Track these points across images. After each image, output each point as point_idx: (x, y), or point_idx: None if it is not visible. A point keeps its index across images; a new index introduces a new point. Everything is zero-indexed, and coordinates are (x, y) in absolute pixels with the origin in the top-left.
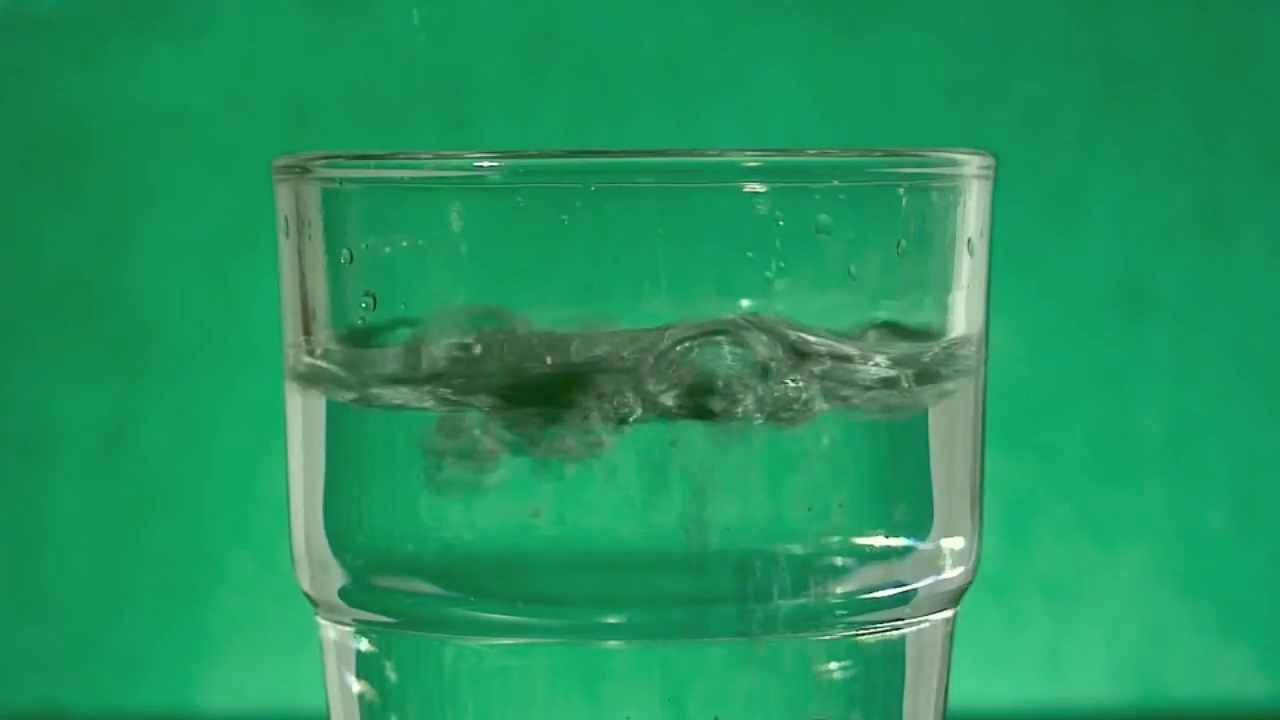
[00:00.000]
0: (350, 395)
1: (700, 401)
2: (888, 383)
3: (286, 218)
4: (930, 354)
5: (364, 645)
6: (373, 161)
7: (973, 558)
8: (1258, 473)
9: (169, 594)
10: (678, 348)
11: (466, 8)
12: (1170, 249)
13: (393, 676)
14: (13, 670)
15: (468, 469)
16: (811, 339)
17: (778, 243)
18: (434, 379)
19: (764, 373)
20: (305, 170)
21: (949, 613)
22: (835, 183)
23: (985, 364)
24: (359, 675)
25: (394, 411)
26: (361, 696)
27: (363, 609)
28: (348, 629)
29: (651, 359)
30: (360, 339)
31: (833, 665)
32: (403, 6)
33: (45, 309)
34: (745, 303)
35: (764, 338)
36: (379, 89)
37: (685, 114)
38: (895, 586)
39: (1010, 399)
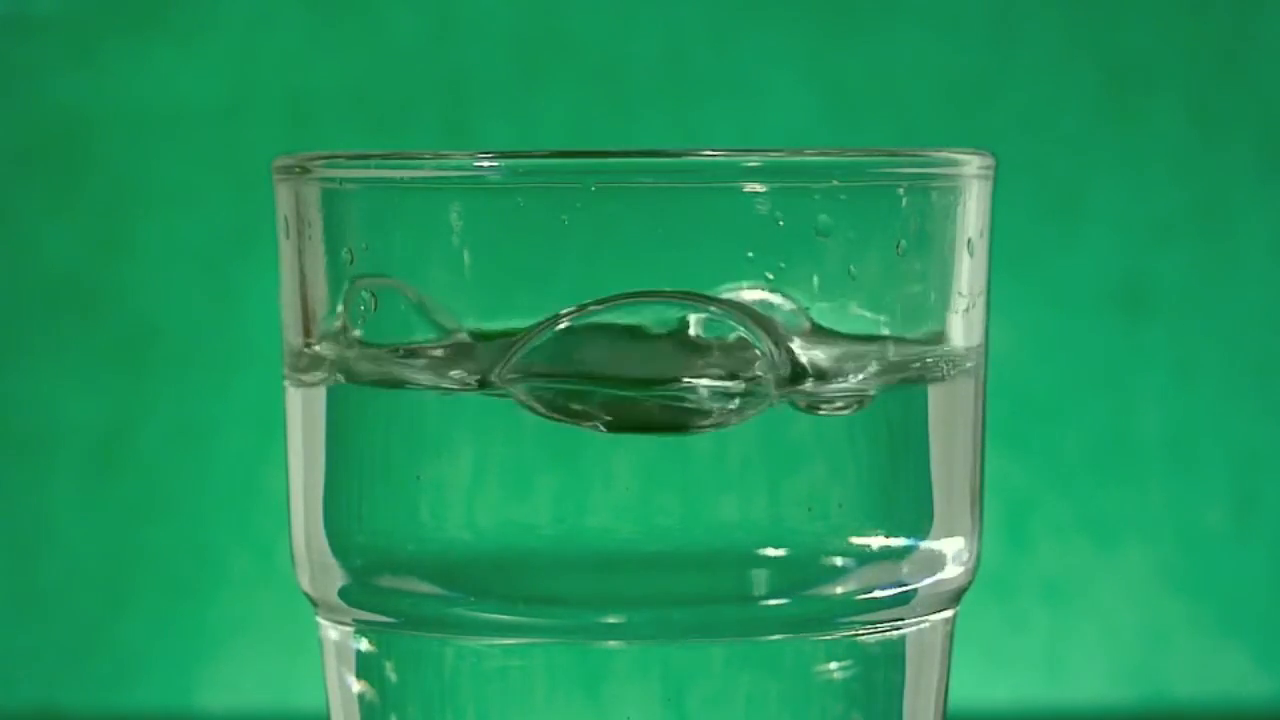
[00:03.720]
0: (350, 396)
1: (700, 397)
2: (887, 382)
3: (286, 218)
4: (930, 354)
5: (364, 645)
6: (373, 161)
7: (973, 558)
8: (1258, 473)
9: (169, 594)
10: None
11: (466, 8)
12: (1170, 249)
13: (393, 676)
14: (13, 670)
15: (466, 468)
16: (813, 338)
17: (778, 243)
18: (436, 378)
19: (766, 370)
20: (305, 170)
21: (949, 613)
22: (835, 183)
23: (985, 364)
24: (359, 675)
25: (394, 411)
26: (361, 696)
27: (363, 609)
28: (348, 629)
29: (657, 349)
30: (360, 339)
31: (833, 665)
32: (403, 6)
33: (45, 309)
34: (746, 302)
35: (765, 334)
36: (379, 89)
37: (685, 114)
38: (895, 586)
39: (1010, 399)
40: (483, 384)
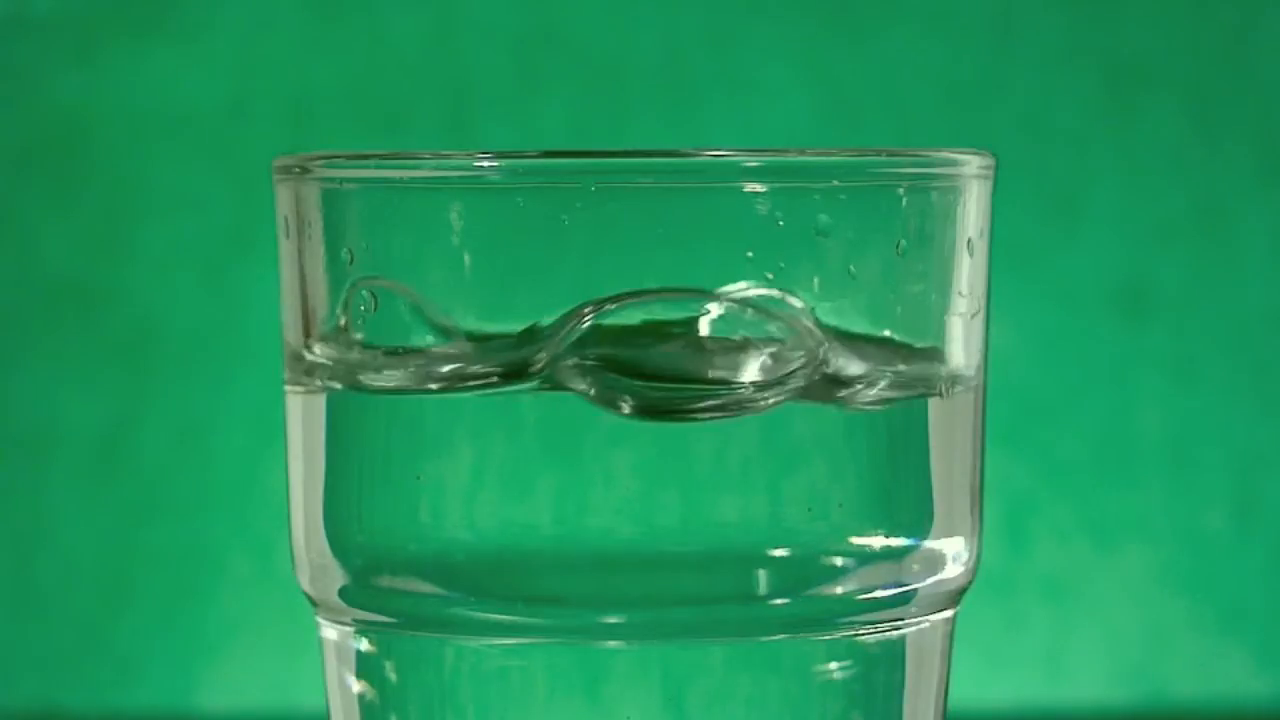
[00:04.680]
0: (350, 395)
1: (701, 392)
2: (887, 381)
3: (286, 218)
4: (929, 353)
5: (364, 645)
6: (373, 161)
7: (973, 558)
8: (1258, 473)
9: (169, 594)
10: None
11: (466, 8)
12: (1170, 249)
13: (393, 676)
14: (13, 670)
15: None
16: (815, 336)
17: (778, 243)
18: (436, 378)
19: (769, 366)
20: (305, 170)
21: (949, 613)
22: (835, 183)
23: (986, 364)
24: (359, 675)
25: (394, 411)
26: (361, 696)
27: (363, 609)
28: (348, 629)
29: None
30: (360, 339)
31: (833, 665)
32: (403, 6)
33: (45, 309)
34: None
35: (771, 330)
36: (379, 89)
37: (685, 114)
38: (895, 586)
39: (1010, 399)
40: (510, 375)
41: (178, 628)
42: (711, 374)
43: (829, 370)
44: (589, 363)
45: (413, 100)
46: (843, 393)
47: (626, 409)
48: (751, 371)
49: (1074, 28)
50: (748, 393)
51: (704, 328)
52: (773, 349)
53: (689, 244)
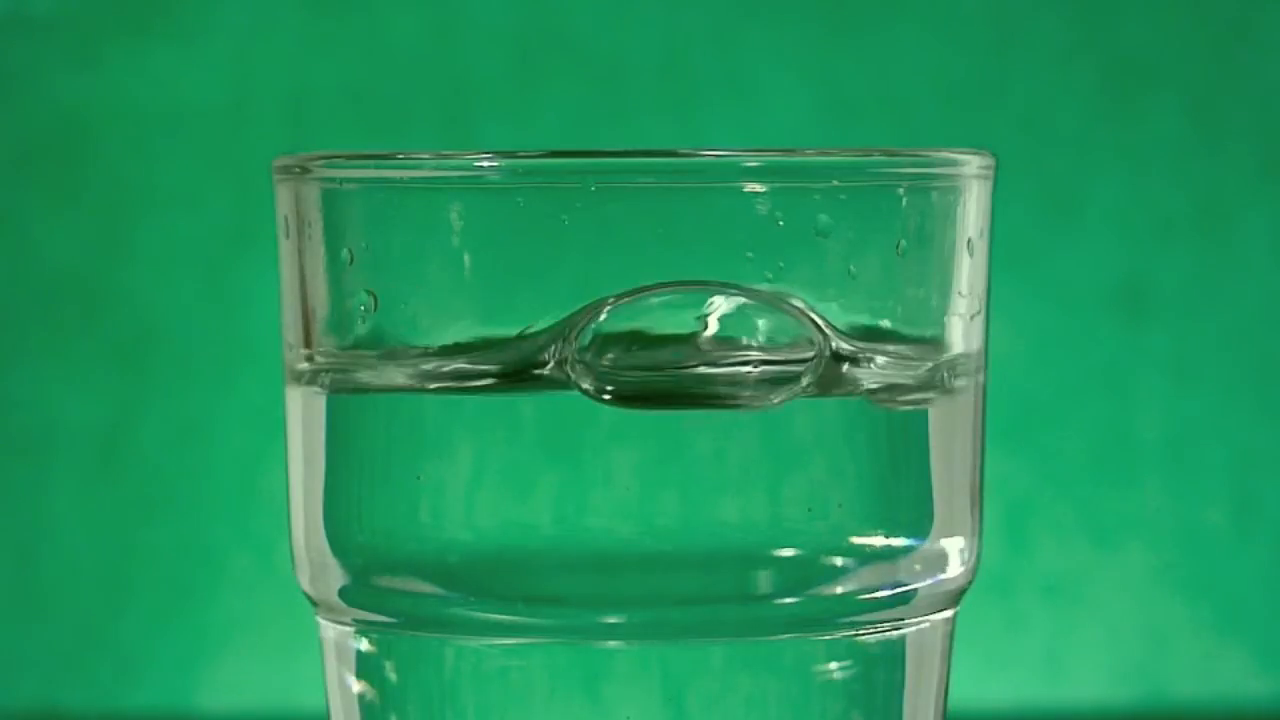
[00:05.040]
0: (350, 395)
1: (702, 392)
2: (887, 381)
3: (286, 218)
4: (930, 353)
5: (364, 645)
6: (373, 161)
7: (973, 558)
8: (1258, 473)
9: (169, 594)
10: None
11: (466, 8)
12: (1170, 249)
13: (393, 676)
14: (13, 670)
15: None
16: (815, 335)
17: (778, 243)
18: (436, 377)
19: (769, 367)
20: (305, 170)
21: (949, 613)
22: (835, 183)
23: (986, 364)
24: (359, 675)
25: (394, 411)
26: (361, 696)
27: (363, 609)
28: (348, 629)
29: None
30: (360, 339)
31: (833, 665)
32: (403, 6)
33: (45, 309)
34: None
35: (772, 330)
36: (379, 89)
37: (685, 114)
38: (895, 586)
39: (1010, 399)
40: (510, 375)
41: (178, 628)
42: (712, 374)
43: (829, 370)
44: (593, 361)
45: (413, 100)
46: (843, 392)
47: (628, 407)
48: (752, 371)
49: (1074, 28)
50: (748, 392)
51: (706, 327)
52: (773, 349)
53: (689, 244)
